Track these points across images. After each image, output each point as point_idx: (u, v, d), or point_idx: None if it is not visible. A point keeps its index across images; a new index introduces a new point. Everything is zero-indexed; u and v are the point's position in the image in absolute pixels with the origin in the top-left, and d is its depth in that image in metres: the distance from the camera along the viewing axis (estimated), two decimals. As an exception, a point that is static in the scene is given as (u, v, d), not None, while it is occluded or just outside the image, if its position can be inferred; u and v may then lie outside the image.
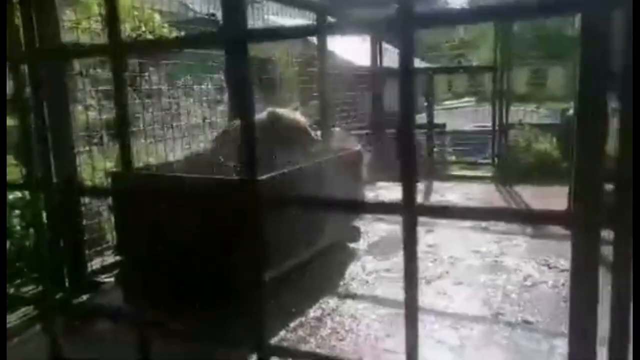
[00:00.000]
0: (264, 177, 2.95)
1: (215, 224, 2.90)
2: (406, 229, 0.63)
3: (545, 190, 5.92)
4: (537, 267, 3.70)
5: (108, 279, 3.59)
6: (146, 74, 4.95)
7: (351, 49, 9.42)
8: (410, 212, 0.61)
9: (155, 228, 3.07)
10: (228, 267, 2.88)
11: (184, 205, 3.03)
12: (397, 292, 3.32)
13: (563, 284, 3.33)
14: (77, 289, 3.43)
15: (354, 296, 3.35)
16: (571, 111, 5.97)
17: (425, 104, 7.86)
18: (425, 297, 3.25)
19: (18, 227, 3.72)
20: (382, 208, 0.75)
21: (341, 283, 3.57)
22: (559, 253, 3.84)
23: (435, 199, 5.99)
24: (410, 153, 0.63)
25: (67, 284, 3.44)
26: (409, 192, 0.62)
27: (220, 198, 2.97)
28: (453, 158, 8.06)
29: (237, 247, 2.86)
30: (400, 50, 0.59)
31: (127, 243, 3.32)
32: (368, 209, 2.00)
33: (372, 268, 3.81)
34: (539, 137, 6.88)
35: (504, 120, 6.87)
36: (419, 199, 5.64)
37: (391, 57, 7.44)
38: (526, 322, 2.91)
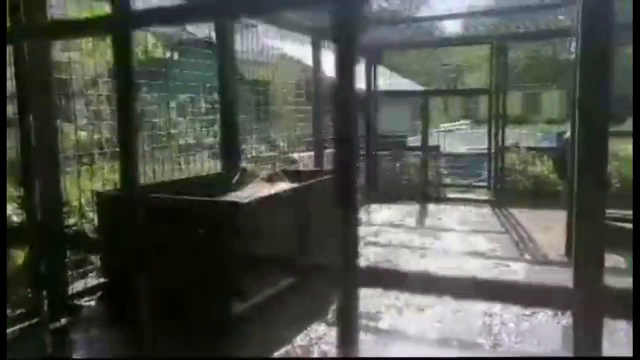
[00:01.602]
0: (247, 199, 2.85)
1: (201, 245, 2.81)
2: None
3: (542, 214, 5.83)
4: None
5: (89, 302, 3.44)
6: (139, 94, 4.89)
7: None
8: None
9: (141, 248, 2.97)
10: (212, 288, 2.76)
11: (170, 225, 2.95)
12: (390, 320, 3.19)
13: (563, 313, 3.20)
14: (55, 312, 3.29)
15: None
16: (567, 134, 5.91)
17: (420, 126, 7.81)
18: (418, 325, 3.12)
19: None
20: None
21: (331, 309, 3.42)
22: (559, 280, 3.71)
23: (430, 222, 5.88)
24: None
25: (45, 307, 3.29)
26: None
27: (206, 219, 2.88)
28: (448, 180, 7.97)
29: (223, 268, 2.75)
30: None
31: (113, 264, 3.21)
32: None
33: (364, 294, 3.66)
34: (535, 160, 6.81)
35: (500, 143, 6.79)
36: (413, 222, 5.57)
37: (385, 80, 7.41)
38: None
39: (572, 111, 4.00)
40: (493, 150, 6.89)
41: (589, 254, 1.51)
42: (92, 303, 3.42)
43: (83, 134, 4.08)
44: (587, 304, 1.54)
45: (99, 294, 3.48)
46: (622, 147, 5.81)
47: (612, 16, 1.26)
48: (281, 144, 7.50)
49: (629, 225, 4.59)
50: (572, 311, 1.98)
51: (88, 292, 3.53)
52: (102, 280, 3.52)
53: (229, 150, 4.30)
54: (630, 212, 4.95)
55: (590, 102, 1.43)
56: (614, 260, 3.97)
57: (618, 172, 5.79)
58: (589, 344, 1.49)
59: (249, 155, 6.15)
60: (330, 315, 3.30)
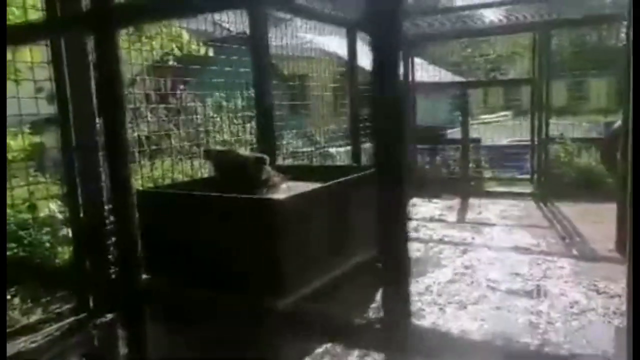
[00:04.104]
0: (285, 196, 2.81)
1: (235, 241, 2.80)
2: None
3: (589, 207, 5.59)
4: (584, 292, 3.41)
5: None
6: (178, 92, 4.95)
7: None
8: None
9: (184, 245, 3.01)
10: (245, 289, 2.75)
11: (210, 223, 2.96)
12: (432, 317, 3.11)
13: (615, 312, 3.04)
14: (102, 309, 3.34)
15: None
16: (617, 123, 5.64)
17: (460, 118, 7.61)
18: (461, 322, 3.02)
19: (47, 244, 3.69)
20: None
21: (371, 307, 3.36)
22: (608, 276, 3.54)
23: (471, 216, 5.72)
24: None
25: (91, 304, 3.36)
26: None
27: (242, 215, 2.87)
28: (489, 174, 7.75)
29: (257, 265, 2.73)
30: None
31: (156, 261, 3.24)
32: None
33: (404, 291, 3.58)
34: (582, 152, 6.53)
35: (544, 134, 6.52)
36: (454, 216, 5.44)
37: (423, 72, 7.24)
38: (574, 355, 2.64)
39: (626, 99, 3.79)
40: (536, 142, 6.63)
41: None
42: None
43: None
44: None
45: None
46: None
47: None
48: (318, 138, 7.46)
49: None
50: (627, 310, 1.87)
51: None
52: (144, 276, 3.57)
53: (266, 145, 4.28)
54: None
55: None
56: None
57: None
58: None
59: (285, 151, 6.14)
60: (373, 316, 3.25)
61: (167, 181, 4.28)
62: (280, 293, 2.80)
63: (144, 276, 3.51)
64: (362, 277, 3.77)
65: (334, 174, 3.49)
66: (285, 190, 3.21)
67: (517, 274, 3.78)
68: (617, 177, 3.99)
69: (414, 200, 6.50)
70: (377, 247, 1.07)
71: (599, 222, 4.98)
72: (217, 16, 4.92)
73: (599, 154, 6.43)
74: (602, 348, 2.70)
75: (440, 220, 5.54)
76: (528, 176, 7.05)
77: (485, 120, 17.82)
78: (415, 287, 3.63)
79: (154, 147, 4.38)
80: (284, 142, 6.33)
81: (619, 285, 3.39)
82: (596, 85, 20.60)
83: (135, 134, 4.25)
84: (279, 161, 4.97)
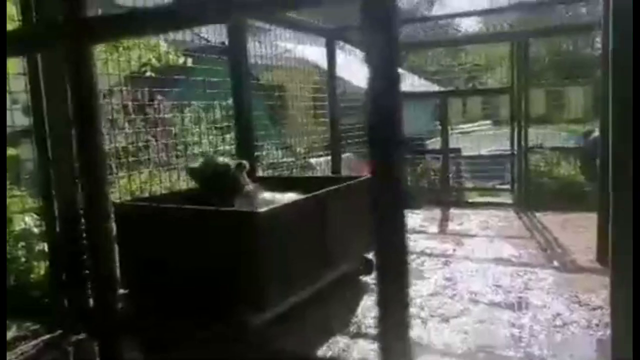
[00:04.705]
0: (265, 209, 2.75)
1: (214, 255, 2.74)
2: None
3: (569, 217, 5.62)
4: (566, 305, 3.39)
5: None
6: (155, 102, 4.86)
7: (362, 75, 9.27)
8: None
9: (162, 259, 2.94)
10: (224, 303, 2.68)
11: (189, 236, 2.88)
12: (414, 331, 3.05)
13: (597, 324, 3.02)
14: (77, 326, 3.23)
15: (366, 335, 3.08)
16: (595, 133, 5.69)
17: (439, 128, 7.63)
18: (443, 336, 2.97)
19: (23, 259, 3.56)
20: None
21: (352, 320, 3.30)
22: (590, 288, 3.54)
23: (452, 227, 5.70)
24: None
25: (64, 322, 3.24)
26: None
27: (221, 228, 2.80)
28: (470, 184, 7.76)
29: (236, 280, 2.67)
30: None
31: (133, 275, 3.15)
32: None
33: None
34: (561, 161, 6.58)
35: (523, 144, 6.56)
36: (435, 228, 5.41)
37: (403, 82, 7.24)
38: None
39: (601, 108, 3.80)
40: (516, 151, 6.66)
41: (626, 258, 1.40)
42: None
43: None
44: (625, 311, 1.42)
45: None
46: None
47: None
48: (298, 148, 7.39)
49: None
50: (610, 320, 1.84)
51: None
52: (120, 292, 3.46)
53: (245, 156, 4.22)
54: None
55: (625, 97, 1.31)
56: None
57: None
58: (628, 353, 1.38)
59: (264, 162, 6.06)
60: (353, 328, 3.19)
61: (146, 193, 4.18)
62: (260, 308, 2.75)
63: (121, 291, 3.43)
64: (344, 289, 3.72)
65: (315, 184, 3.45)
66: (266, 202, 3.15)
67: (498, 286, 3.75)
68: (599, 187, 4.00)
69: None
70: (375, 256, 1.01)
71: (579, 232, 5.00)
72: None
73: (578, 163, 6.48)
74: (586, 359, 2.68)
75: (421, 232, 5.51)
76: (508, 186, 7.08)
77: (465, 130, 17.97)
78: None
79: (131, 159, 4.28)
80: (264, 152, 6.26)
81: (600, 297, 3.38)
82: (575, 93, 20.92)
83: (113, 145, 4.15)
84: (259, 172, 4.90)
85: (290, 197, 3.19)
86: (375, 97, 0.94)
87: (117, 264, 3.45)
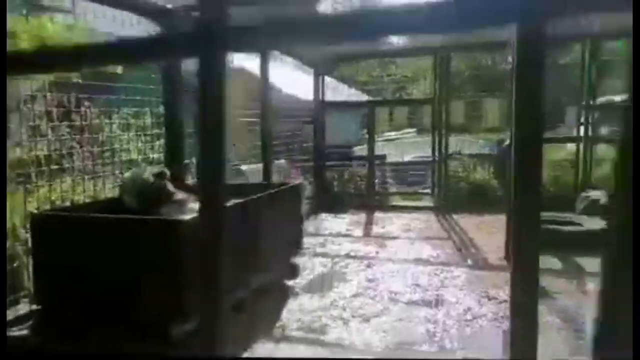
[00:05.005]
0: (189, 217, 2.78)
1: (137, 265, 2.72)
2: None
3: (484, 219, 5.99)
4: (477, 300, 3.65)
5: (19, 331, 3.25)
6: (82, 108, 4.70)
7: (294, 83, 9.42)
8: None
9: (76, 271, 2.86)
10: (149, 311, 2.67)
11: (110, 246, 2.84)
12: (336, 332, 3.18)
13: (503, 317, 3.29)
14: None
15: (290, 339, 3.17)
16: (507, 141, 6.12)
17: (367, 135, 7.90)
18: (364, 335, 3.12)
19: None
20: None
21: (277, 325, 3.38)
22: (498, 284, 3.82)
23: (376, 231, 5.93)
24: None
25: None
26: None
27: (144, 238, 2.79)
28: (394, 189, 8.09)
29: (159, 290, 2.66)
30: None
31: (47, 289, 3.05)
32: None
33: (310, 307, 3.64)
34: (477, 167, 7.02)
35: (443, 151, 6.97)
36: (360, 231, 5.60)
37: (333, 91, 7.45)
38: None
39: (513, 118, 4.13)
40: (437, 158, 7.05)
41: (525, 256, 1.56)
42: (23, 332, 3.22)
43: (18, 151, 3.88)
44: (523, 305, 1.58)
45: (30, 322, 3.27)
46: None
47: (545, 30, 1.32)
48: (229, 155, 7.39)
49: (563, 228, 4.79)
50: (510, 314, 2.03)
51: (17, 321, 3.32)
52: (34, 307, 3.32)
53: (175, 164, 4.21)
54: (563, 215, 5.16)
55: (525, 110, 1.47)
56: (551, 262, 4.14)
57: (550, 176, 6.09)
58: (525, 347, 1.53)
59: (194, 169, 6.01)
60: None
61: (67, 203, 4.05)
62: (183, 317, 2.74)
63: (34, 307, 3.29)
64: (271, 294, 3.79)
65: (245, 191, 3.50)
66: (192, 210, 3.17)
67: (417, 285, 3.97)
68: (507, 190, 4.33)
69: (323, 215, 6.63)
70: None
71: (492, 232, 5.35)
72: (125, 31, 4.73)
73: (492, 169, 6.93)
74: (492, 350, 2.91)
75: (346, 235, 5.69)
76: (429, 190, 7.45)
77: (391, 138, 18.58)
78: (321, 302, 3.70)
79: (54, 167, 4.13)
80: (194, 159, 6.21)
81: (507, 292, 3.67)
82: (491, 105, 22.17)
83: (33, 153, 3.98)
84: (189, 180, 4.87)
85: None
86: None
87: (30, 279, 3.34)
